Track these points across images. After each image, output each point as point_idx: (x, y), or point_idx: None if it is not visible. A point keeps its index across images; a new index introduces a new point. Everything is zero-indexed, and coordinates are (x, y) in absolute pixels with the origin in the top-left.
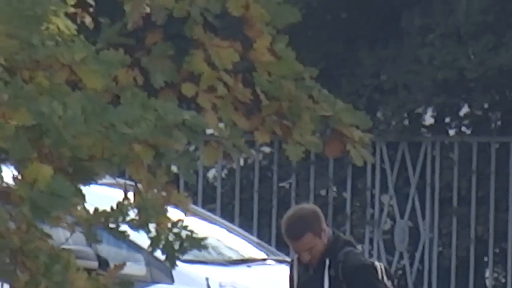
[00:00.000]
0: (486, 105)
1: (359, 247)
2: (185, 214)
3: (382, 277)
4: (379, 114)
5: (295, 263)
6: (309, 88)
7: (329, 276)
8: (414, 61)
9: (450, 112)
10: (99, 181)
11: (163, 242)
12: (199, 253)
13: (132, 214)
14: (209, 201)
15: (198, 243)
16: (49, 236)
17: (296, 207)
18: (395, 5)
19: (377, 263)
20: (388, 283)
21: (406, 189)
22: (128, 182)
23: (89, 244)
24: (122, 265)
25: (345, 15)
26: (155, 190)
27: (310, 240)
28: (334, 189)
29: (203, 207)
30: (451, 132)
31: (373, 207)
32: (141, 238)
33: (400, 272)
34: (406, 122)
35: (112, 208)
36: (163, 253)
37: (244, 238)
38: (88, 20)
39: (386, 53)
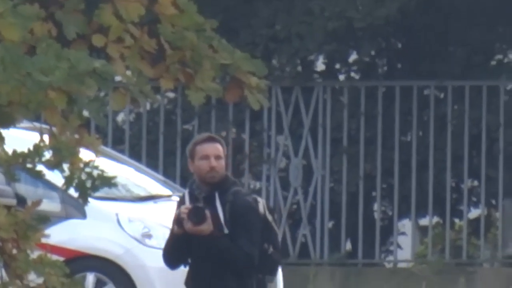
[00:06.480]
0: (373, 52)
1: (257, 184)
2: (96, 155)
3: (264, 212)
4: (274, 62)
5: (186, 197)
6: (209, 38)
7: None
8: (306, 13)
9: (340, 59)
10: (17, 125)
11: (76, 180)
12: (110, 191)
13: (48, 155)
14: (118, 142)
15: (108, 181)
16: None
17: None
18: None
19: (259, 199)
20: (269, 217)
21: (300, 130)
22: (44, 126)
23: (8, 183)
24: (39, 202)
25: None
26: (68, 133)
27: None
28: (234, 130)
29: (113, 148)
30: (341, 77)
31: (269, 147)
32: (55, 177)
33: (295, 206)
34: (299, 68)
35: (29, 149)
36: (76, 190)
37: (151, 176)
38: None
39: (280, 5)
